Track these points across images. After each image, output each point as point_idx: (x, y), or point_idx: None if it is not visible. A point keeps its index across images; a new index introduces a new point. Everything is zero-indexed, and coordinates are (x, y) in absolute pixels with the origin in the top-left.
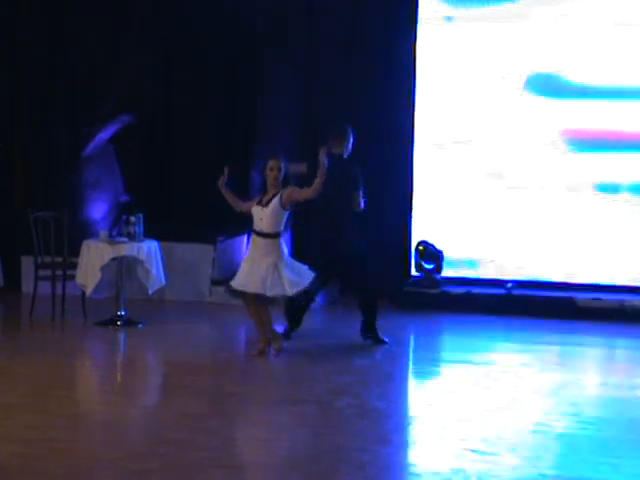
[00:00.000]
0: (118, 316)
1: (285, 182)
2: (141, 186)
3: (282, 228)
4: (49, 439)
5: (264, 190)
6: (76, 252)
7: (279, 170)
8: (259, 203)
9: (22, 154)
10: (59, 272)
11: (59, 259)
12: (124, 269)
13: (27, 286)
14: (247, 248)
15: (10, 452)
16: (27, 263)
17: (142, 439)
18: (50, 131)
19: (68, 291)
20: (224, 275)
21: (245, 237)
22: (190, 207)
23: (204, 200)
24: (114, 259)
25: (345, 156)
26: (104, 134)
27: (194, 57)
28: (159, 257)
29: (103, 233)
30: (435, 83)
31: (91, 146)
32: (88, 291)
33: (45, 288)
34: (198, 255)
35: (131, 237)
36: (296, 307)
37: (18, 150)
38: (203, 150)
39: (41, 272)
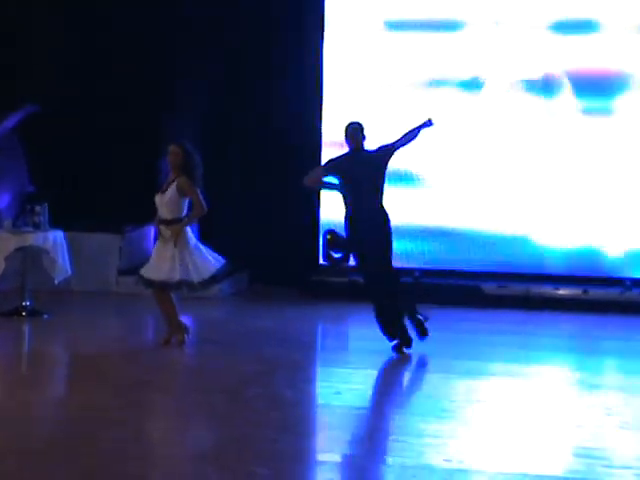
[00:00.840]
0: (23, 306)
1: (186, 168)
2: (46, 176)
3: (183, 214)
4: None
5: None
6: None
7: (176, 155)
8: (159, 190)
9: None
10: None
11: None
12: (29, 259)
13: None
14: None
15: None
16: None
17: (46, 431)
18: None
19: None
20: (131, 265)
21: (153, 227)
22: (97, 197)
23: (111, 190)
24: (19, 249)
25: (363, 148)
26: (8, 123)
27: (102, 45)
28: (65, 247)
29: (7, 223)
30: (343, 79)
31: None
32: None
33: None
34: (105, 245)
35: (36, 227)
36: (388, 319)
37: None
38: (110, 139)
39: None
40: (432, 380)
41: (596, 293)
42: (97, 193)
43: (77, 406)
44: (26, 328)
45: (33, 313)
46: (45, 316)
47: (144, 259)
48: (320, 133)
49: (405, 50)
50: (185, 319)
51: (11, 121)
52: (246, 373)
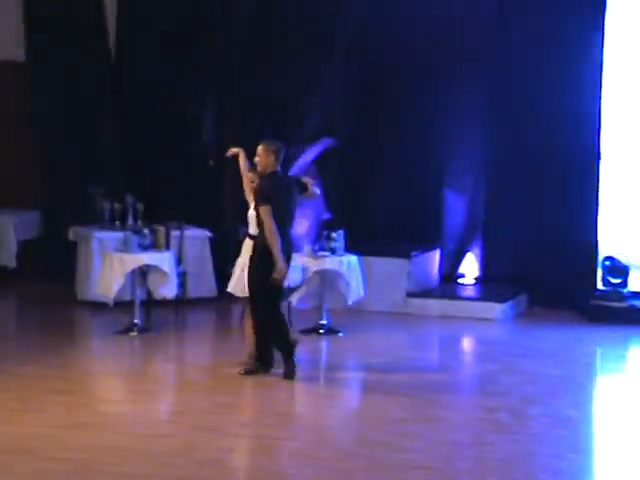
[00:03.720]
0: (320, 325)
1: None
2: (342, 204)
3: None
4: (259, 436)
5: None
6: None
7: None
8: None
9: (231, 173)
10: None
11: None
12: (327, 281)
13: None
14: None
15: (223, 446)
16: None
17: (346, 439)
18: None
19: None
20: (418, 287)
21: (438, 252)
22: (387, 224)
23: (401, 217)
24: (316, 272)
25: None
26: (307, 156)
27: (386, 82)
28: (359, 270)
29: (306, 248)
30: (624, 92)
31: (295, 167)
32: (293, 302)
33: None
34: (395, 268)
35: (332, 252)
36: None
37: (228, 169)
38: (399, 170)
39: None
40: None
41: None
42: (388, 220)
43: (371, 417)
44: (324, 344)
45: (330, 331)
46: (340, 334)
47: (430, 282)
48: (598, 155)
49: None
50: (467, 340)
51: (311, 154)
52: (529, 392)
